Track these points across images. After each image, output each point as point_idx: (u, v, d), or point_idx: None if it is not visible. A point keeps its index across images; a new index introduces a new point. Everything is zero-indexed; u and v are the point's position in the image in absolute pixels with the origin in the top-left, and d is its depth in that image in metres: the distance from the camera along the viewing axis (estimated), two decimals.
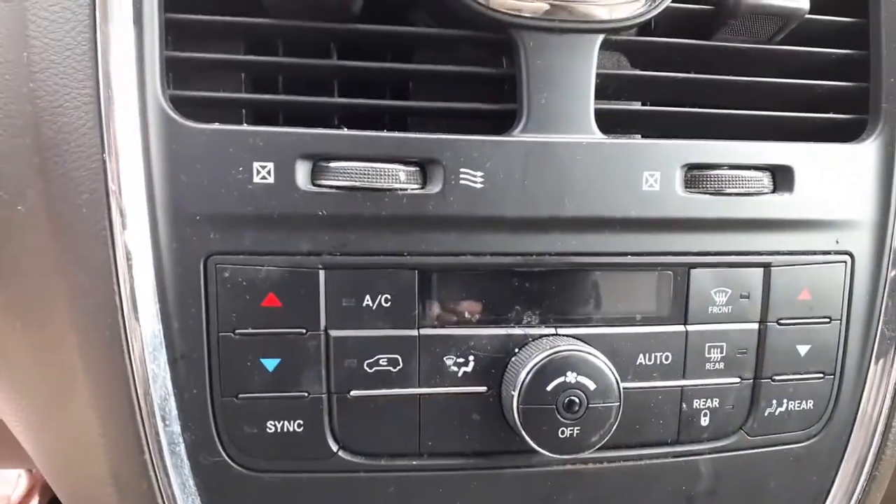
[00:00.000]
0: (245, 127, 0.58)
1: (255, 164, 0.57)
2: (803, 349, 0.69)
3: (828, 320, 0.69)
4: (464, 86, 0.66)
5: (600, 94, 0.65)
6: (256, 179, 0.58)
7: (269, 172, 0.58)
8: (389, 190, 0.59)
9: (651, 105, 0.70)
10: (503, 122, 0.63)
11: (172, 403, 0.60)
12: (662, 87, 0.67)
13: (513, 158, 0.61)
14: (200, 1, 0.60)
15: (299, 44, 0.64)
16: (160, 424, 0.59)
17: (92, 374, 0.59)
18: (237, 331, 0.59)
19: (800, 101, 0.70)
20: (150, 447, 0.60)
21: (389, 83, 0.67)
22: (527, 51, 0.61)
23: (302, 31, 0.62)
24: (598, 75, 0.63)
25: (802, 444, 0.71)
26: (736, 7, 0.65)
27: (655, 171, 0.63)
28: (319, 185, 0.59)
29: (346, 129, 0.59)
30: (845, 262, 0.68)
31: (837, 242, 0.68)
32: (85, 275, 0.57)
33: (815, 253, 0.68)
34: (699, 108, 0.68)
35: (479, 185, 0.60)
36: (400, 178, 0.59)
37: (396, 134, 0.59)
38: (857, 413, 0.71)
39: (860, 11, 0.70)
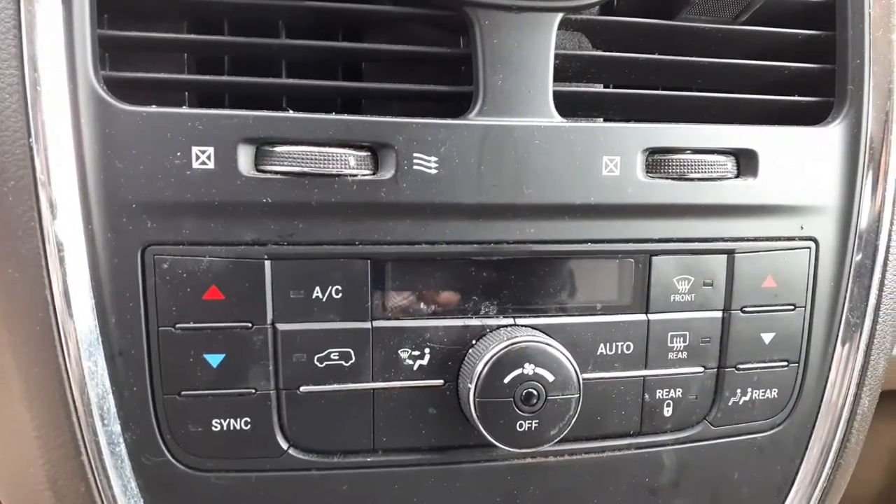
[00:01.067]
0: (183, 109, 0.55)
1: (195, 149, 0.54)
2: (767, 337, 0.67)
3: (792, 307, 0.68)
4: (419, 68, 0.64)
5: (560, 76, 0.63)
6: (196, 165, 0.54)
7: (209, 157, 0.54)
8: (339, 176, 0.56)
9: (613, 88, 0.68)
10: (460, 106, 0.61)
11: (111, 402, 0.56)
12: (624, 68, 0.65)
13: (468, 142, 0.58)
14: None
15: (246, 24, 0.61)
16: (98, 424, 0.56)
17: (24, 373, 0.56)
18: (178, 325, 0.56)
19: (765, 83, 0.69)
20: (88, 448, 0.56)
21: (341, 65, 0.64)
22: (482, 29, 0.59)
23: (248, 9, 0.59)
24: (557, 56, 0.61)
25: (766, 433, 0.70)
26: None
27: (615, 156, 0.61)
28: (263, 171, 0.55)
29: (291, 112, 0.57)
30: (810, 247, 0.67)
31: (802, 228, 0.66)
32: (12, 268, 0.54)
33: (779, 239, 0.66)
34: (662, 91, 0.66)
35: (433, 171, 0.58)
36: (350, 163, 0.56)
37: (345, 116, 0.56)
38: (821, 401, 0.70)
39: None
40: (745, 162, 0.64)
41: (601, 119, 0.68)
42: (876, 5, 0.67)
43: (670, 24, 0.65)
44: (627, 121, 0.65)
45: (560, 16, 0.60)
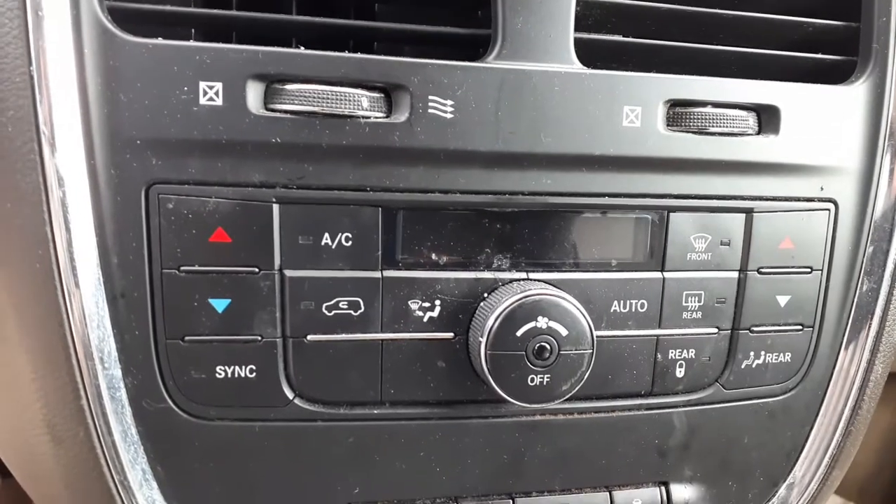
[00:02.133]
0: (190, 43, 0.52)
1: (202, 84, 0.52)
2: (783, 300, 0.66)
3: (809, 270, 0.66)
4: (434, 12, 0.61)
5: (581, 24, 0.61)
6: (203, 101, 0.52)
7: (216, 93, 0.52)
8: (350, 117, 0.54)
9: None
10: (476, 52, 0.59)
11: (112, 345, 0.55)
12: (647, 18, 0.63)
13: (486, 87, 0.56)
14: None
15: None
16: (98, 367, 0.55)
17: (22, 312, 0.54)
18: (182, 268, 0.54)
19: (789, 40, 0.67)
20: (88, 392, 0.55)
21: (354, 6, 0.61)
22: None
23: None
24: (579, 2, 0.59)
25: (778, 398, 0.69)
26: None
27: (637, 107, 0.59)
28: (273, 110, 0.53)
29: (302, 48, 0.54)
30: (829, 210, 0.65)
31: (822, 189, 0.65)
32: (11, 202, 0.52)
33: (798, 199, 0.64)
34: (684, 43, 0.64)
35: (448, 115, 0.56)
36: (362, 104, 0.54)
37: (358, 55, 0.54)
38: (834, 367, 0.69)
39: None
40: (767, 118, 0.62)
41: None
42: None
43: None
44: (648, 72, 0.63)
45: None
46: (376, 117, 0.55)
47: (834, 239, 0.66)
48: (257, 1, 0.60)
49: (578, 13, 0.59)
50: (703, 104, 0.60)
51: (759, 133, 0.62)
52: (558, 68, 0.57)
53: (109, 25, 0.51)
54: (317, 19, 0.56)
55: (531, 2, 0.57)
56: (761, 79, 0.64)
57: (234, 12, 0.57)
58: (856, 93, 0.65)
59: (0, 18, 0.50)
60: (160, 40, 0.52)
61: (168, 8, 0.55)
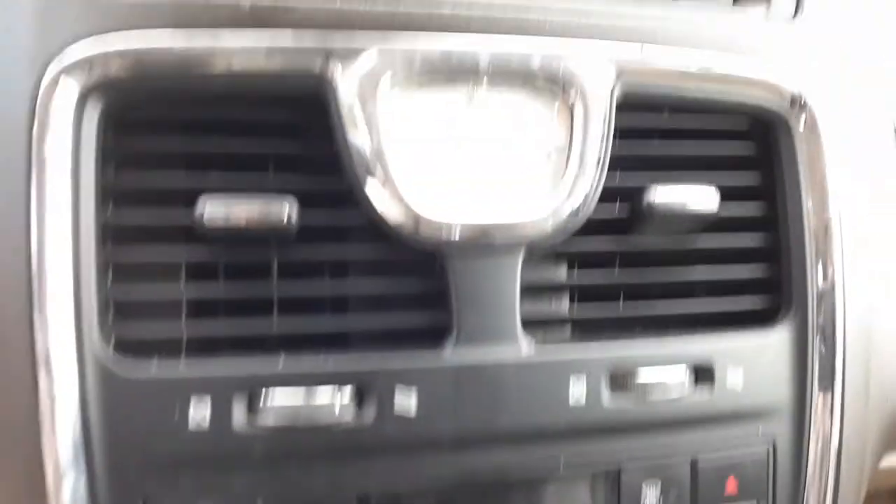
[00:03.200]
0: (181, 374, 0.59)
1: (191, 412, 0.59)
2: None
3: (755, 502, 0.72)
4: (403, 298, 0.69)
5: (528, 290, 0.68)
6: (192, 427, 0.59)
7: (204, 419, 0.59)
8: (325, 426, 0.61)
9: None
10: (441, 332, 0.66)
11: None
12: (585, 285, 0.71)
13: (445, 382, 0.63)
14: (138, 241, 0.62)
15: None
16: None
17: None
18: None
19: (718, 290, 0.74)
20: None
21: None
22: (454, 271, 0.64)
23: (240, 258, 0.64)
24: (523, 284, 0.66)
25: None
26: (651, 210, 0.68)
27: (581, 385, 0.65)
28: (255, 426, 0.60)
29: (281, 361, 0.61)
30: (768, 449, 0.72)
31: (760, 430, 0.71)
32: None
33: (738, 444, 0.71)
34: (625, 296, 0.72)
35: (412, 413, 0.62)
36: (335, 412, 0.61)
37: (331, 363, 0.61)
38: None
39: (768, 197, 0.74)
40: (702, 374, 0.69)
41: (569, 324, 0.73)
42: (813, 216, 0.73)
43: (625, 243, 0.71)
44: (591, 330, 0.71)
45: (523, 251, 0.66)
46: (346, 423, 0.61)
47: (776, 474, 0.72)
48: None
49: (526, 288, 0.67)
50: (643, 368, 0.67)
51: (696, 387, 0.69)
52: (509, 358, 0.64)
53: (109, 360, 0.58)
54: (293, 331, 0.64)
55: (481, 297, 0.64)
56: (695, 323, 0.72)
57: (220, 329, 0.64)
58: (781, 336, 0.72)
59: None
60: (154, 372, 0.59)
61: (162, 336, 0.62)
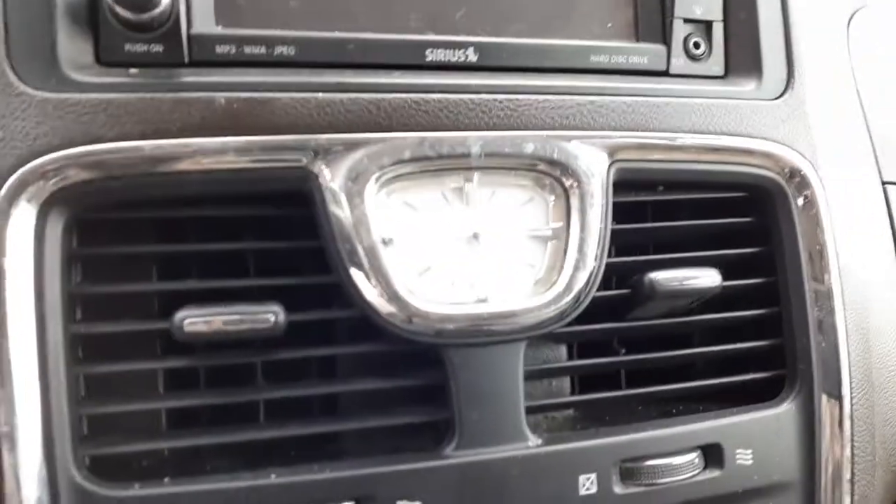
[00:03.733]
0: (165, 489, 0.55)
1: None
2: None
3: None
4: (395, 389, 0.65)
5: (530, 376, 0.65)
6: None
7: None
8: None
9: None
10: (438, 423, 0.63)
11: None
12: (588, 369, 0.68)
13: (449, 483, 0.59)
14: (112, 348, 0.58)
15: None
16: None
17: None
18: None
19: (722, 361, 0.73)
20: None
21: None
22: (453, 366, 0.61)
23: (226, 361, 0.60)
24: (526, 373, 0.64)
25: None
26: (653, 292, 0.67)
27: (591, 474, 0.63)
28: None
29: (273, 476, 0.57)
30: None
31: None
32: None
33: None
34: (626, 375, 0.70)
35: None
36: None
37: (327, 475, 0.57)
38: None
39: (768, 271, 0.73)
40: (711, 454, 0.67)
41: (570, 411, 0.71)
42: (814, 286, 0.72)
43: (628, 325, 0.69)
44: (596, 417, 0.68)
45: (524, 343, 0.63)
46: None
47: None
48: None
49: (529, 374, 0.64)
50: (652, 457, 0.65)
51: (705, 469, 0.67)
52: (515, 452, 0.61)
53: (85, 483, 0.54)
54: (285, 433, 0.59)
55: (483, 392, 0.61)
56: (701, 402, 0.69)
57: (205, 440, 0.59)
58: (788, 411, 0.70)
59: None
60: (137, 489, 0.54)
61: (139, 448, 0.58)
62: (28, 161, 0.52)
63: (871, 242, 0.75)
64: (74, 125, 0.53)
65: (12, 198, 0.52)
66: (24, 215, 0.53)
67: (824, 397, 0.70)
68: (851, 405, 0.70)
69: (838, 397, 0.71)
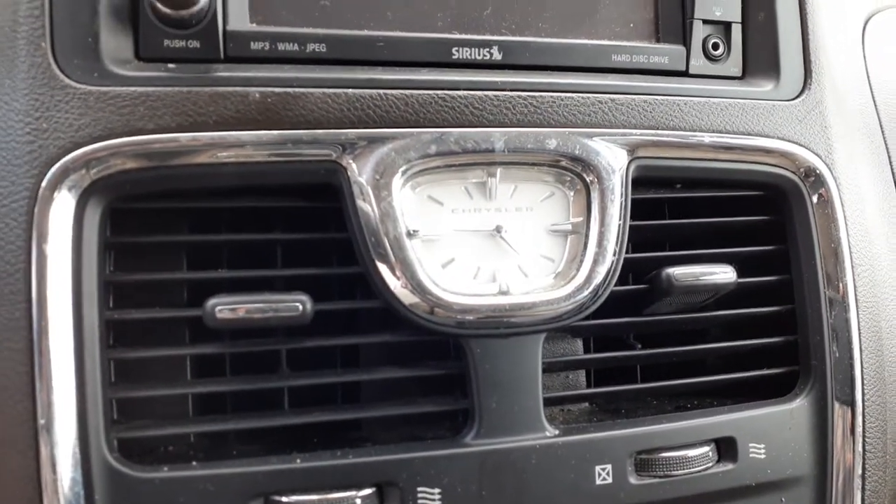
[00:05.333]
0: (193, 472, 0.56)
1: None
2: None
3: None
4: (416, 378, 0.67)
5: (548, 369, 0.67)
6: None
7: None
8: None
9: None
10: (457, 419, 0.65)
11: None
12: (605, 363, 0.70)
13: (469, 470, 0.61)
14: (140, 335, 0.60)
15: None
16: None
17: None
18: None
19: (736, 357, 0.74)
20: None
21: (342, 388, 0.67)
22: (474, 356, 0.63)
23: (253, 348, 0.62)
24: (544, 364, 0.65)
25: None
26: (670, 287, 0.68)
27: (607, 464, 0.64)
28: None
29: (298, 460, 0.59)
30: None
31: (783, 501, 0.70)
32: None
33: None
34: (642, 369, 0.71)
35: (437, 503, 0.60)
36: None
37: (350, 460, 0.59)
38: None
39: (783, 269, 0.74)
40: (725, 448, 0.68)
41: (586, 403, 0.72)
42: (829, 283, 0.73)
43: (644, 320, 0.70)
44: (612, 410, 0.69)
45: (544, 336, 0.64)
46: None
47: None
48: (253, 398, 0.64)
49: (546, 367, 0.65)
50: (667, 449, 0.66)
51: (719, 461, 0.68)
52: (533, 441, 0.63)
53: (117, 465, 0.56)
54: (309, 418, 0.61)
55: (503, 382, 0.63)
56: (714, 396, 0.71)
57: (232, 425, 0.61)
58: (801, 407, 0.71)
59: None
60: (166, 471, 0.56)
61: (172, 433, 0.59)
62: (71, 151, 0.54)
63: (884, 242, 0.76)
64: (115, 117, 0.55)
65: (55, 185, 0.54)
66: (65, 203, 0.55)
67: (837, 394, 0.72)
68: (864, 402, 0.71)
69: (851, 394, 0.72)
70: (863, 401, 0.72)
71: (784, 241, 0.73)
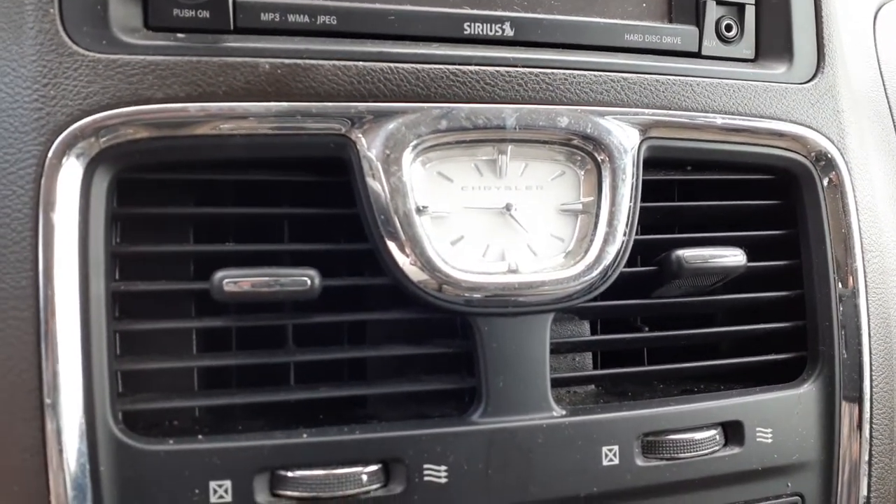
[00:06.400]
0: (199, 445, 0.56)
1: (212, 484, 0.56)
2: None
3: None
4: (422, 357, 0.67)
5: (555, 350, 0.67)
6: (214, 500, 0.56)
7: (226, 491, 0.56)
8: (352, 495, 0.58)
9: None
10: (463, 398, 0.64)
11: None
12: (613, 345, 0.69)
13: (476, 448, 0.60)
14: (145, 307, 0.60)
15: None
16: None
17: None
18: None
19: (744, 339, 0.74)
20: None
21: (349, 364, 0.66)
22: (482, 335, 0.62)
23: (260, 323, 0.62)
24: (552, 344, 0.65)
25: None
26: (679, 269, 0.67)
27: (614, 445, 0.64)
28: (279, 496, 0.57)
29: (304, 435, 0.58)
30: (797, 502, 0.71)
31: (789, 486, 0.70)
32: None
33: (768, 499, 0.70)
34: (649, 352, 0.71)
35: (443, 480, 0.60)
36: (362, 480, 0.58)
37: (356, 436, 0.59)
38: None
39: (792, 254, 0.74)
40: (732, 432, 0.68)
41: (592, 386, 0.72)
42: (839, 269, 0.72)
43: (653, 302, 0.70)
44: (618, 393, 0.69)
45: (552, 315, 0.64)
46: (375, 491, 0.59)
47: None
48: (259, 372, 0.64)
49: (553, 348, 0.65)
50: (674, 431, 0.66)
51: (725, 445, 0.68)
52: (540, 421, 0.62)
53: (123, 437, 0.55)
54: (315, 394, 0.61)
55: (511, 361, 0.62)
56: (723, 381, 0.70)
57: (238, 399, 0.61)
58: (808, 393, 0.71)
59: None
60: (172, 444, 0.56)
61: (176, 403, 0.59)
62: (79, 119, 0.54)
63: (894, 229, 0.76)
64: (123, 85, 0.55)
65: (62, 153, 0.54)
66: (72, 171, 0.54)
67: (845, 380, 0.71)
68: (871, 389, 0.71)
69: (859, 381, 0.71)
70: (871, 388, 0.71)
71: (794, 225, 0.72)
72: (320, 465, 0.58)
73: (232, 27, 0.59)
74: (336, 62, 0.59)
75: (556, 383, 0.65)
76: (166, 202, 0.61)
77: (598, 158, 0.63)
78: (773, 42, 0.72)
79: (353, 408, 0.66)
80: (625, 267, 0.66)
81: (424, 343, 0.64)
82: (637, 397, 0.68)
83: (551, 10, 0.66)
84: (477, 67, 0.61)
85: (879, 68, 0.88)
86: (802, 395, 0.70)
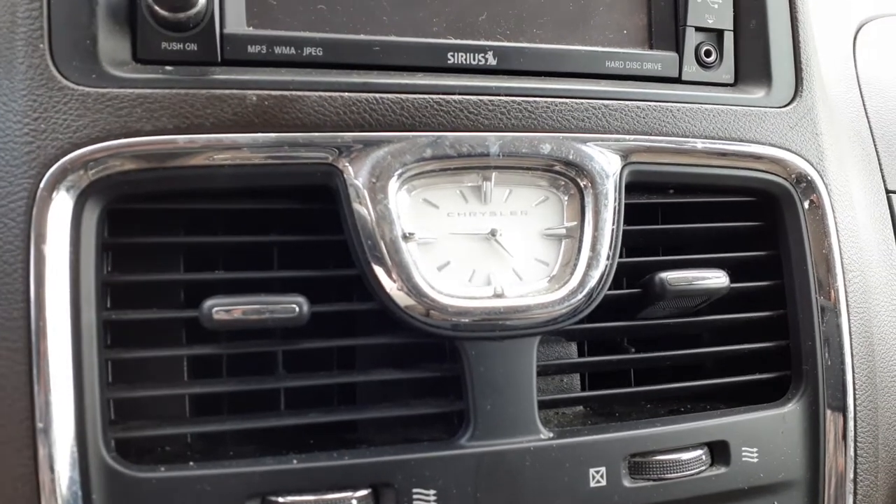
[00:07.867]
0: (190, 472, 0.57)
1: None
2: None
3: None
4: (411, 381, 0.67)
5: (543, 372, 0.67)
6: None
7: None
8: None
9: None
10: (452, 421, 0.65)
11: None
12: (599, 366, 0.70)
13: (464, 472, 0.61)
14: (137, 335, 0.61)
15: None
16: None
17: None
18: None
19: (728, 360, 0.74)
20: None
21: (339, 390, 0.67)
22: (469, 358, 0.63)
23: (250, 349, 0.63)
24: (539, 367, 0.66)
25: None
26: (663, 291, 0.68)
27: (601, 467, 0.64)
28: None
29: (295, 461, 0.59)
30: None
31: None
32: None
33: None
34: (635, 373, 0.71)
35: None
36: None
37: (346, 462, 0.59)
38: None
39: (775, 274, 0.75)
40: (718, 452, 0.69)
41: (580, 407, 0.72)
42: (821, 287, 0.74)
43: (638, 324, 0.71)
44: (605, 413, 0.69)
45: (538, 339, 0.65)
46: None
47: None
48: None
49: (540, 370, 0.66)
50: (660, 452, 0.66)
51: (712, 465, 0.68)
52: (528, 443, 0.63)
53: (115, 465, 0.56)
54: (304, 420, 0.61)
55: (498, 384, 0.63)
56: (708, 401, 0.71)
57: (230, 426, 0.61)
58: (793, 412, 0.71)
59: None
60: (163, 472, 0.56)
61: (167, 431, 0.59)
62: (69, 152, 0.55)
63: (875, 248, 0.77)
64: (112, 118, 0.56)
65: (53, 186, 0.55)
66: (63, 204, 0.55)
67: (829, 399, 0.72)
68: (855, 407, 0.72)
69: (843, 399, 0.72)
70: (854, 406, 0.72)
71: (776, 246, 0.73)
72: (310, 491, 0.58)
73: (219, 59, 0.60)
74: (322, 93, 0.60)
75: (543, 405, 0.66)
76: (157, 231, 0.62)
77: (581, 184, 0.65)
78: (752, 67, 0.74)
79: (343, 432, 0.66)
80: (610, 289, 0.67)
81: (413, 367, 0.65)
82: (624, 418, 0.69)
83: (533, 38, 0.68)
84: (461, 97, 0.63)
85: (859, 88, 0.89)
86: (787, 414, 0.71)
